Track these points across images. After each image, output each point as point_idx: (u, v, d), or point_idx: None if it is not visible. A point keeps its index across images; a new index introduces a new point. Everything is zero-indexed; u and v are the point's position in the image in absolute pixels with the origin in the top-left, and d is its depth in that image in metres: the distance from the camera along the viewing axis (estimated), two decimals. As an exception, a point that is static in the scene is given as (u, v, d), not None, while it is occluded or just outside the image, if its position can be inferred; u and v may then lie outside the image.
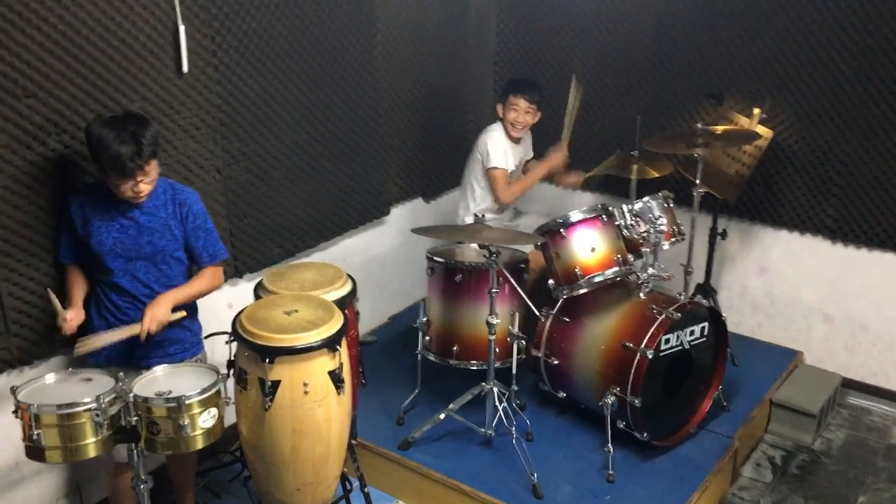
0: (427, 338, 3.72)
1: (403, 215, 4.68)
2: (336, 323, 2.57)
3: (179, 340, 3.03)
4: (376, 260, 4.59)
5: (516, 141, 4.24)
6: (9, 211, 2.77)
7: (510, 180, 4.19)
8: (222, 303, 3.72)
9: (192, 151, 3.34)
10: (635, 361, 3.32)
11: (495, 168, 4.13)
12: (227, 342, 3.20)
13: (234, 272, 3.68)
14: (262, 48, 3.51)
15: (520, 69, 4.91)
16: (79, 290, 2.86)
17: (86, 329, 2.82)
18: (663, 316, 3.36)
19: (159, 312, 2.76)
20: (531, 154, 4.43)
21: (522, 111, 4.11)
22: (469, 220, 4.19)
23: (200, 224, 2.93)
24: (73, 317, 2.74)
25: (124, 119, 2.65)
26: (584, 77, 4.67)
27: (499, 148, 4.14)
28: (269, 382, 2.48)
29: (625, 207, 3.60)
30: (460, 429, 3.60)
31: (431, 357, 3.73)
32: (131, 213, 2.78)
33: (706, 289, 4.23)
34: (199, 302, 3.47)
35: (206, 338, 3.26)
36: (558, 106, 4.31)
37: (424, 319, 3.70)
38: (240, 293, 3.76)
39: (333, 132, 3.95)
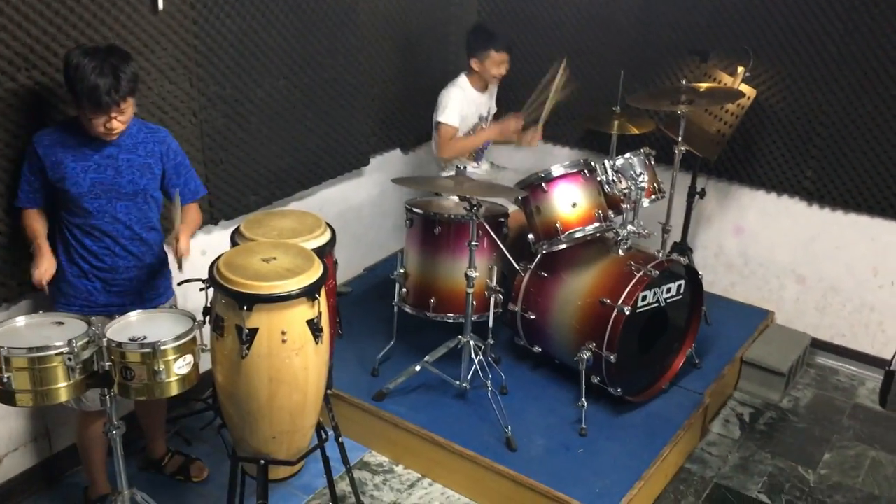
0: (404, 290, 3.69)
1: (381, 166, 4.62)
2: (315, 272, 2.53)
3: (154, 286, 2.99)
4: (353, 210, 4.54)
5: (483, 90, 4.15)
6: (-24, 148, 2.68)
7: (459, 136, 4.07)
8: (196, 250, 3.64)
9: (167, 93, 3.25)
10: (612, 318, 3.33)
11: (442, 123, 3.98)
12: (201, 289, 3.15)
13: (209, 219, 3.61)
14: (242, -14, 3.40)
15: (504, 19, 4.83)
16: (44, 236, 2.76)
17: (54, 277, 2.75)
18: (641, 273, 3.36)
19: (186, 245, 2.80)
20: (495, 107, 4.33)
21: (504, 65, 4.04)
22: (441, 173, 4.16)
23: (180, 161, 2.90)
24: (49, 266, 2.68)
25: (106, 51, 2.57)
26: (567, 30, 4.62)
27: (454, 104, 3.99)
28: (247, 330, 2.43)
29: (606, 163, 3.58)
30: (435, 381, 3.60)
31: (408, 309, 3.71)
32: (109, 152, 2.70)
33: (682, 247, 4.24)
34: (171, 250, 3.41)
35: (179, 284, 3.20)
36: (535, 55, 4.26)
37: (401, 271, 3.67)
38: (214, 240, 3.70)
39: (313, 78, 3.87)
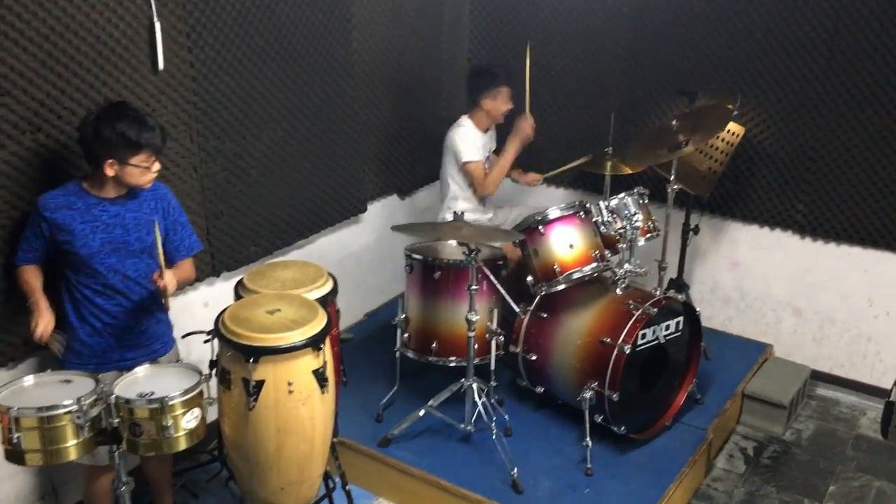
0: (405, 335, 3.73)
1: (379, 212, 4.68)
2: (319, 322, 2.57)
3: (160, 336, 3.03)
4: (352, 257, 4.59)
5: (486, 130, 4.26)
6: (-17, 211, 2.73)
7: (486, 171, 4.21)
8: (199, 302, 3.70)
9: (168, 149, 3.28)
10: (613, 357, 3.36)
11: (470, 162, 4.14)
12: (205, 341, 3.19)
13: (210, 271, 3.65)
14: (238, 44, 3.48)
15: (492, 64, 4.92)
16: (41, 291, 2.79)
17: (62, 324, 2.80)
18: (640, 311, 3.41)
19: (171, 278, 2.79)
20: (495, 144, 4.44)
21: (511, 101, 4.17)
22: (450, 217, 4.21)
23: (178, 217, 2.96)
24: (49, 320, 2.72)
25: (126, 105, 2.73)
26: (558, 74, 4.73)
27: (469, 141, 4.15)
28: (254, 382, 2.47)
29: (601, 204, 3.64)
30: (439, 425, 3.62)
31: (410, 354, 3.74)
32: (116, 211, 2.75)
33: (679, 283, 4.29)
34: (174, 302, 3.45)
35: (184, 337, 3.23)
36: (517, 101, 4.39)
37: (402, 317, 3.71)
38: (216, 292, 3.74)
39: (310, 129, 3.94)
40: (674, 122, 3.71)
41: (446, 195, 4.30)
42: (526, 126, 4.20)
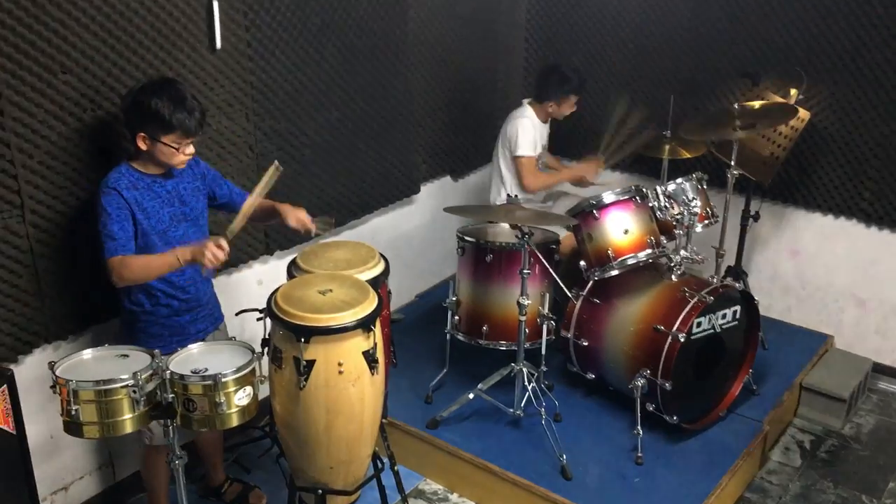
0: (456, 317, 3.71)
1: (431, 193, 4.67)
2: (370, 303, 2.56)
3: (217, 302, 3.10)
4: (403, 238, 4.58)
5: (545, 120, 4.23)
6: (45, 186, 2.79)
7: (538, 167, 4.17)
8: (252, 279, 3.74)
9: (225, 129, 3.34)
10: (667, 345, 3.30)
11: (523, 156, 4.11)
12: (258, 319, 3.22)
13: (265, 249, 3.69)
14: (295, 24, 3.48)
15: (551, 48, 4.86)
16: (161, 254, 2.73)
17: (141, 326, 2.83)
18: (695, 299, 3.33)
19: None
20: (548, 133, 4.40)
21: (575, 107, 4.20)
22: (501, 202, 4.19)
23: (214, 174, 2.99)
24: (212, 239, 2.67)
25: (173, 82, 2.71)
26: (615, 55, 4.63)
27: (528, 135, 4.12)
28: (304, 362, 2.47)
29: (658, 189, 3.57)
30: (488, 408, 3.60)
31: (460, 337, 3.72)
32: (170, 185, 2.78)
33: (737, 271, 4.19)
34: (229, 279, 3.50)
35: (237, 314, 3.27)
36: (589, 88, 4.32)
37: (454, 299, 3.69)
38: (270, 270, 3.78)
39: (365, 110, 3.93)
40: (735, 106, 3.60)
41: (496, 180, 4.27)
42: (592, 168, 4.17)
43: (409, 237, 4.62)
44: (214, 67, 3.22)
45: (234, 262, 3.55)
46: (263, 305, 3.21)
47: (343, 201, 3.98)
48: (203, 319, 2.97)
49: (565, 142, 4.66)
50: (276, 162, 2.82)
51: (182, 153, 2.69)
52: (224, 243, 2.63)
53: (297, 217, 3.01)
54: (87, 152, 2.88)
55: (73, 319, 3.01)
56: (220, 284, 3.30)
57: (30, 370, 2.94)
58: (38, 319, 2.90)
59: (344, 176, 3.94)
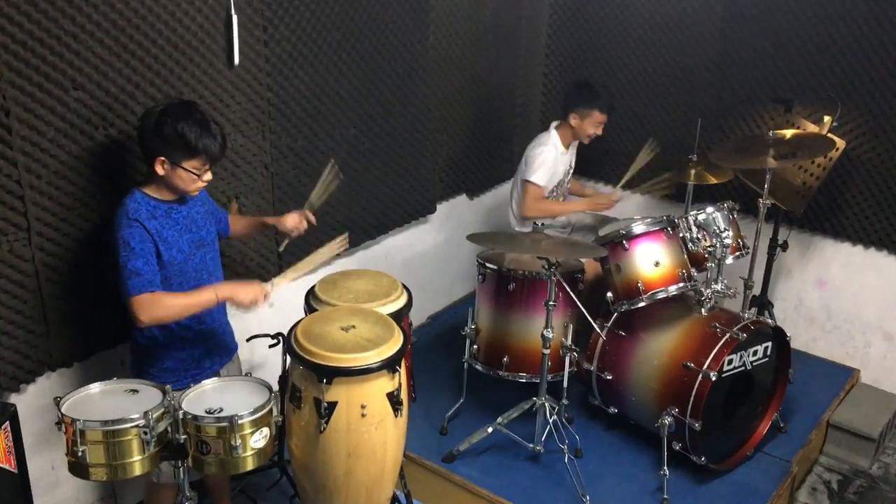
0: (475, 346, 3.57)
1: (447, 212, 4.54)
2: (396, 342, 2.43)
3: (231, 332, 2.97)
4: (418, 258, 4.45)
5: (568, 146, 4.07)
6: (53, 208, 2.64)
7: (546, 195, 4.01)
8: (265, 304, 3.59)
9: (241, 147, 3.20)
10: (697, 383, 3.16)
11: (532, 182, 3.93)
12: (270, 346, 3.09)
13: (277, 271, 3.53)
14: (315, 38, 3.35)
15: (570, 66, 4.74)
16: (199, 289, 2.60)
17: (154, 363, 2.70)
18: (727, 336, 3.20)
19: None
20: (573, 160, 4.24)
21: (602, 127, 3.99)
22: (517, 226, 4.05)
23: (208, 198, 2.87)
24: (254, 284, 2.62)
25: (193, 106, 2.56)
26: (641, 73, 4.50)
27: (547, 165, 3.93)
28: (326, 403, 2.34)
29: (690, 219, 3.42)
30: (506, 442, 3.46)
31: (479, 367, 3.59)
32: (185, 210, 2.64)
33: (762, 301, 4.06)
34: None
35: (248, 340, 3.16)
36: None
37: (473, 327, 3.55)
38: (282, 294, 3.60)
39: (383, 127, 3.80)
40: (770, 134, 3.46)
41: (512, 203, 4.13)
42: (603, 203, 4.01)
43: (423, 257, 4.48)
44: (231, 84, 3.08)
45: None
46: (274, 330, 3.11)
47: (359, 221, 3.84)
48: (218, 351, 2.84)
49: (587, 163, 4.52)
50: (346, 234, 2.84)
51: (201, 179, 2.55)
52: (270, 293, 2.52)
53: (291, 218, 2.90)
54: (98, 173, 2.73)
55: (78, 346, 2.87)
56: (230, 308, 3.15)
57: (32, 399, 2.81)
58: (42, 346, 2.75)
59: (360, 195, 3.80)
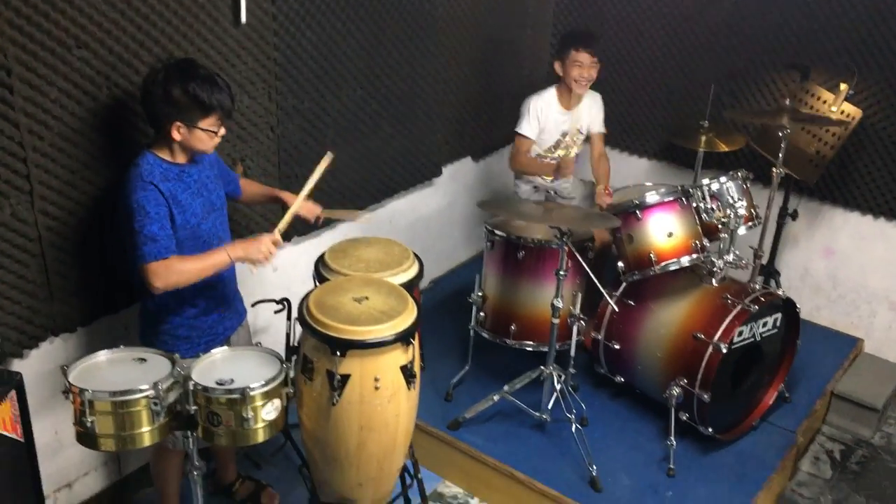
0: (481, 314, 3.54)
1: (451, 175, 4.47)
2: (410, 314, 2.39)
3: (240, 296, 2.92)
4: (422, 221, 4.39)
5: (569, 106, 3.94)
6: (56, 170, 2.57)
7: (540, 153, 3.94)
8: (268, 267, 3.53)
9: (246, 108, 3.11)
10: (707, 354, 3.14)
11: (519, 134, 3.87)
12: (276, 311, 3.05)
13: (283, 236, 3.47)
14: (323, -4, 3.24)
15: (579, 25, 4.61)
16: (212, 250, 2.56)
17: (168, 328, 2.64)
18: (738, 308, 3.17)
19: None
20: (601, 127, 4.08)
21: (587, 66, 3.79)
22: (523, 188, 3.99)
23: (220, 160, 2.80)
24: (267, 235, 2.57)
25: (196, 64, 2.49)
26: (651, 37, 4.41)
27: (533, 113, 3.85)
28: (339, 376, 2.30)
29: (704, 188, 3.36)
30: (512, 410, 3.45)
31: (485, 334, 3.56)
32: (196, 174, 2.56)
33: (770, 270, 4.04)
34: (243, 266, 3.29)
35: (253, 305, 3.11)
36: (616, 62, 4.07)
37: (480, 294, 3.51)
38: (286, 257, 3.58)
39: (391, 89, 3.71)
40: (788, 102, 3.40)
41: None
42: (602, 200, 3.78)
43: (427, 220, 4.42)
44: (238, 43, 2.98)
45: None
46: (279, 294, 3.06)
47: (365, 185, 3.77)
48: (230, 317, 2.79)
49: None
50: (330, 153, 2.67)
51: (217, 136, 2.49)
52: (280, 240, 2.47)
53: (305, 205, 2.82)
54: (102, 135, 2.65)
55: (81, 311, 2.81)
56: (239, 272, 3.10)
57: (35, 364, 2.76)
58: (45, 311, 2.69)
59: (367, 158, 3.73)
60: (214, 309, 2.69)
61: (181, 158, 2.51)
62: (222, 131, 2.51)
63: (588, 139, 4.10)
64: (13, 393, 2.30)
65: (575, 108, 3.93)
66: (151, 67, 2.61)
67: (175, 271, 2.38)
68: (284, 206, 2.86)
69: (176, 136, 2.42)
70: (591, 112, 4.01)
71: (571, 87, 3.84)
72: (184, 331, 2.63)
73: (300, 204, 2.71)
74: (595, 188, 3.95)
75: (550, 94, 3.89)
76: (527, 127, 3.86)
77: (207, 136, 2.46)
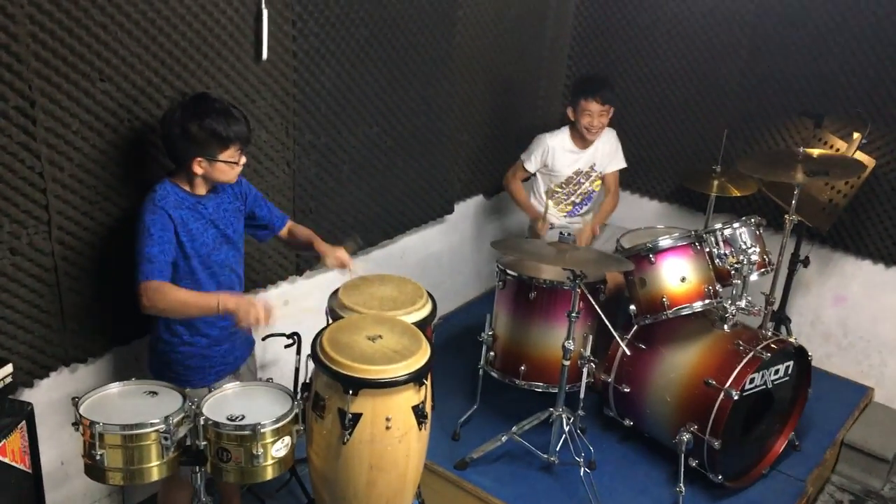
0: (491, 353, 3.53)
1: (463, 212, 4.49)
2: (423, 355, 2.38)
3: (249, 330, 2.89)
4: (432, 258, 4.39)
5: (583, 147, 4.00)
6: (74, 201, 2.58)
7: (552, 187, 4.08)
8: (279, 300, 3.54)
9: (264, 143, 3.14)
10: (718, 401, 3.12)
11: (520, 159, 4.09)
12: (286, 346, 3.04)
13: (294, 270, 3.49)
14: (343, 34, 3.28)
15: (593, 69, 4.66)
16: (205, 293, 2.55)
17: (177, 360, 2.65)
18: (750, 355, 3.15)
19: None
20: (622, 163, 4.15)
21: (596, 115, 3.87)
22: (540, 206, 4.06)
23: (255, 193, 2.80)
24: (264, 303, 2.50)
25: (209, 97, 2.52)
26: (667, 80, 4.45)
27: (540, 149, 4.01)
28: (350, 415, 2.29)
29: (717, 233, 3.36)
30: (519, 451, 3.43)
31: (494, 374, 3.54)
32: (213, 205, 2.59)
33: (780, 316, 4.02)
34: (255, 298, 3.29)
35: (264, 339, 3.10)
36: (630, 104, 4.10)
37: (490, 333, 3.51)
38: (297, 291, 3.59)
39: (406, 126, 3.73)
40: (801, 150, 3.41)
41: (534, 193, 4.16)
42: (584, 237, 3.87)
43: (438, 256, 4.43)
44: (258, 79, 3.02)
45: (262, 281, 3.36)
46: (289, 328, 3.06)
47: (377, 221, 3.78)
48: (241, 346, 2.80)
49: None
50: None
51: (238, 166, 2.52)
52: (274, 313, 2.44)
53: (336, 257, 2.83)
54: (121, 166, 2.67)
55: (93, 341, 2.81)
56: (246, 304, 3.10)
57: (45, 394, 2.75)
58: (58, 342, 2.69)
59: (380, 194, 3.75)
60: (227, 339, 2.69)
61: (201, 190, 2.55)
62: (243, 160, 2.55)
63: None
64: (23, 424, 2.30)
65: (591, 147, 3.99)
66: (169, 106, 2.64)
67: (163, 296, 2.39)
68: (317, 255, 2.87)
69: (198, 170, 2.46)
70: (604, 150, 4.07)
71: (585, 136, 3.92)
72: (194, 361, 2.63)
73: None
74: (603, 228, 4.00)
75: (564, 134, 3.96)
76: (528, 160, 4.05)
77: (228, 167, 2.49)
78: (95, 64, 2.50)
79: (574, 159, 3.97)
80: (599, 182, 4.13)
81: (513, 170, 4.12)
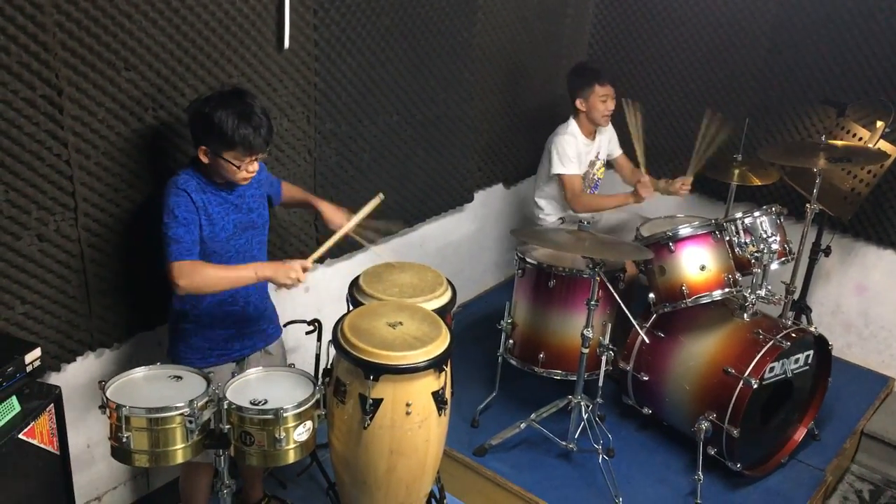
0: (510, 341, 3.55)
1: (483, 201, 4.50)
2: (443, 341, 2.41)
3: (273, 319, 2.95)
4: (451, 246, 4.41)
5: (591, 136, 3.99)
6: (101, 189, 2.62)
7: (584, 188, 3.96)
8: (300, 287, 3.56)
9: (285, 131, 3.17)
10: (737, 390, 3.12)
11: (568, 175, 3.84)
12: (307, 332, 3.07)
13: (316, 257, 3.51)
14: (364, 23, 3.30)
15: (613, 59, 4.65)
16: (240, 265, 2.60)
17: (182, 335, 2.69)
18: (770, 344, 3.15)
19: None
20: (617, 150, 4.17)
21: (611, 99, 3.86)
22: (542, 219, 4.03)
23: (268, 176, 2.85)
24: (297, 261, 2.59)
25: (241, 94, 2.49)
26: (687, 69, 4.43)
27: (571, 151, 3.85)
28: (371, 400, 2.32)
29: (738, 222, 3.35)
30: (537, 438, 3.45)
31: (513, 362, 3.56)
32: (239, 191, 2.61)
33: (801, 306, 4.01)
34: (274, 288, 3.33)
35: (285, 325, 3.13)
36: (650, 93, 4.07)
37: (510, 321, 3.52)
38: (318, 278, 3.62)
39: (426, 115, 3.75)
40: (823, 138, 3.39)
41: (538, 191, 4.09)
42: (645, 193, 3.75)
43: (457, 245, 4.45)
44: (280, 68, 3.04)
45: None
46: (310, 314, 3.09)
47: (398, 209, 3.80)
48: (250, 336, 2.79)
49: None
50: (381, 195, 2.74)
51: (245, 170, 2.50)
52: (310, 266, 2.49)
53: (338, 216, 2.88)
54: (146, 154, 2.71)
55: (119, 326, 2.85)
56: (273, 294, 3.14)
57: (71, 378, 2.80)
58: (84, 326, 2.74)
59: (401, 182, 3.77)
60: (232, 325, 2.71)
61: (218, 180, 2.56)
62: (252, 167, 2.52)
63: (610, 164, 4.18)
64: (52, 406, 2.34)
65: (597, 136, 4.00)
66: (209, 87, 2.68)
67: (200, 273, 2.44)
68: (317, 215, 2.92)
69: (203, 158, 2.48)
70: (606, 136, 4.08)
71: (598, 122, 3.90)
72: (197, 341, 2.67)
73: (340, 237, 2.72)
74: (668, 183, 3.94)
75: (574, 127, 3.91)
76: (572, 165, 3.86)
77: (231, 167, 2.47)
78: (120, 53, 2.53)
79: (586, 151, 3.97)
80: (603, 169, 4.12)
81: (569, 191, 3.85)
